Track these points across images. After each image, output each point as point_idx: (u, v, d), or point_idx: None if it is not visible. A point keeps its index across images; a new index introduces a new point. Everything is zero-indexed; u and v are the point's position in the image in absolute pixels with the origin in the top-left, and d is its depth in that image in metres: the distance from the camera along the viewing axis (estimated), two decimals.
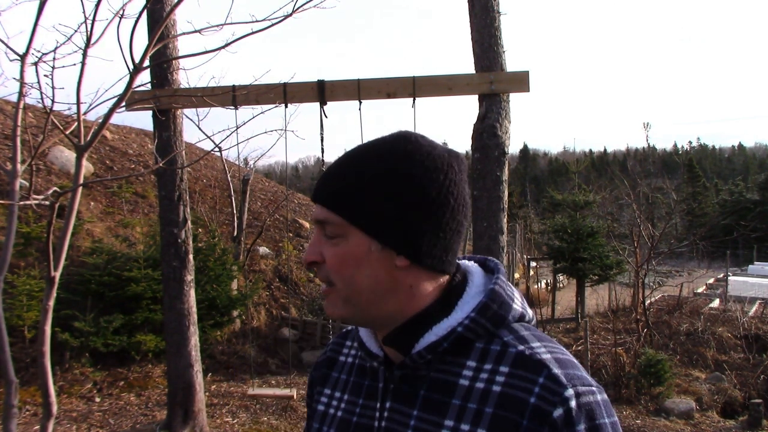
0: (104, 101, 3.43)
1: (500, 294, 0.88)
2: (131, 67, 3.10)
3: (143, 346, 7.12)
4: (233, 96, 4.87)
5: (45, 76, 3.17)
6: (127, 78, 3.13)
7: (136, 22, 3.07)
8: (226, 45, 3.40)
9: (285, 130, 5.50)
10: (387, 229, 0.85)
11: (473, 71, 4.87)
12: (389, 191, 0.84)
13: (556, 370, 0.80)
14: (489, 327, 0.86)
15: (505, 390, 0.81)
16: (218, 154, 11.05)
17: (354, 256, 0.86)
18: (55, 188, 3.90)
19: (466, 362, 0.86)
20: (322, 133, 4.93)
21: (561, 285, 17.05)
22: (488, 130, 4.75)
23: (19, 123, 3.39)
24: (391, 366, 0.91)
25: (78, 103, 3.12)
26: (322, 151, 5.07)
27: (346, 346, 1.05)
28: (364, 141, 0.94)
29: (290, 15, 3.47)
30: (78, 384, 6.72)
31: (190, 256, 5.44)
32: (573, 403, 0.78)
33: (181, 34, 3.94)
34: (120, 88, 3.27)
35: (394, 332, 0.89)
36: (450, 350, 0.87)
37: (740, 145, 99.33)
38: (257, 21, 3.37)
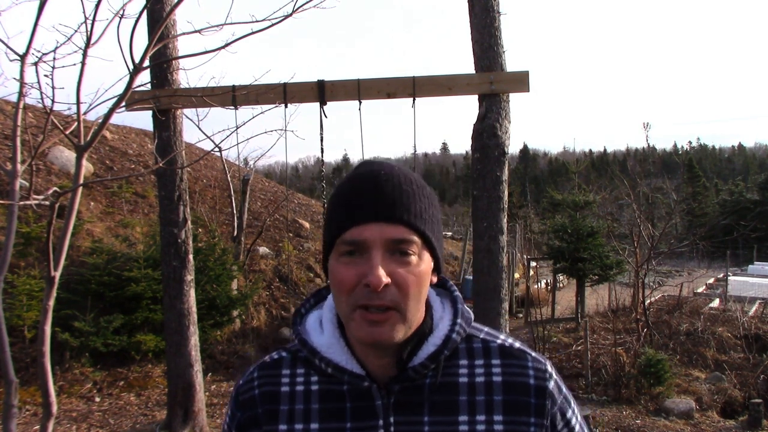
0: (104, 101, 3.43)
1: (462, 299, 0.98)
2: (131, 67, 3.10)
3: (143, 346, 7.12)
4: (233, 96, 4.87)
5: (45, 76, 3.17)
6: (127, 78, 3.13)
7: (136, 22, 3.07)
8: (226, 45, 3.40)
9: (285, 130, 5.48)
10: (439, 249, 0.92)
11: (473, 71, 4.87)
12: (437, 215, 0.92)
13: (533, 353, 0.95)
14: (466, 328, 0.94)
15: (507, 378, 0.92)
16: (218, 154, 11.03)
17: (427, 274, 0.89)
18: (55, 188, 3.89)
19: (458, 362, 0.93)
20: (322, 133, 4.93)
21: (561, 285, 17.04)
22: (488, 130, 4.75)
23: (19, 123, 3.38)
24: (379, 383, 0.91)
25: (78, 103, 3.12)
26: (322, 151, 5.07)
27: (285, 376, 0.97)
28: (366, 151, 0.95)
29: (290, 15, 3.47)
30: (78, 384, 6.72)
31: (190, 256, 5.44)
32: (555, 375, 0.95)
33: (181, 34, 3.94)
34: (120, 88, 3.27)
35: (406, 348, 0.89)
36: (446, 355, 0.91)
37: (740, 145, 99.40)
38: (257, 21, 3.38)
